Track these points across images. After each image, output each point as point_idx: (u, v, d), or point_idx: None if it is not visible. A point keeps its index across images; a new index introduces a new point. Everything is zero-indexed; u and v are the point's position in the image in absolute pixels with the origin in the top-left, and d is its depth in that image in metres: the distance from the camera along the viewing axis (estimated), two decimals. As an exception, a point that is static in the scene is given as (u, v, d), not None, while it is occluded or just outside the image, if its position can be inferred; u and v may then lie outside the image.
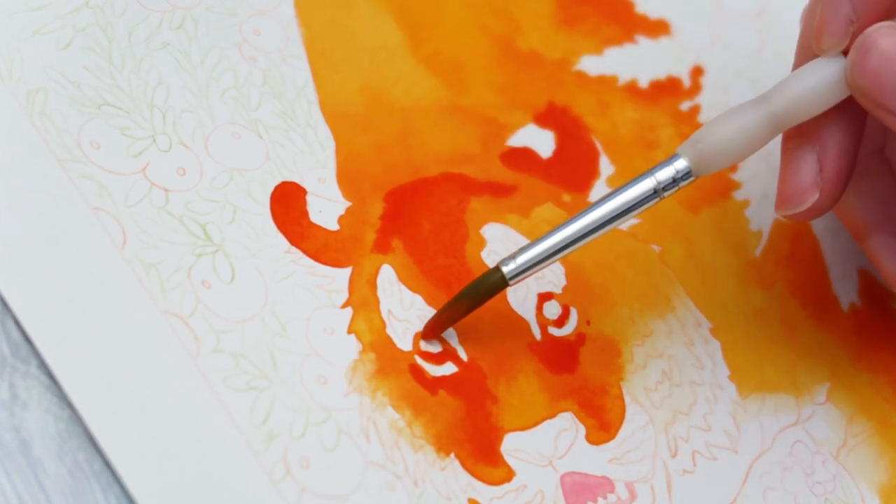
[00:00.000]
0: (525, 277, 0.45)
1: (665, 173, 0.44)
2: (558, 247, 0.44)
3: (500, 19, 0.54)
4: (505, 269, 0.44)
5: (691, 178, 0.44)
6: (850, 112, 0.44)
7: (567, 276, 0.49)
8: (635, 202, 0.44)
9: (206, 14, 0.49)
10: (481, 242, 0.48)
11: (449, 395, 0.45)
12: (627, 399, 0.48)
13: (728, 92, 0.55)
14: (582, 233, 0.44)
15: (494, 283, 0.45)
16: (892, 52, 0.42)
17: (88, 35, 0.46)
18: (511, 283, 0.44)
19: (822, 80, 0.43)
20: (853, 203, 0.49)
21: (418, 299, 0.46)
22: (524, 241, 0.49)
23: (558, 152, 0.52)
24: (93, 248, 0.43)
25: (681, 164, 0.44)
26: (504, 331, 0.47)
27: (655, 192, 0.44)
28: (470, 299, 0.45)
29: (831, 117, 0.44)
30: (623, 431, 0.47)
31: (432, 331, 0.46)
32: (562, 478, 0.45)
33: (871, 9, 0.43)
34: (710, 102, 0.55)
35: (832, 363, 0.52)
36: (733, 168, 0.54)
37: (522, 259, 0.44)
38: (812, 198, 0.45)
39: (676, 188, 0.44)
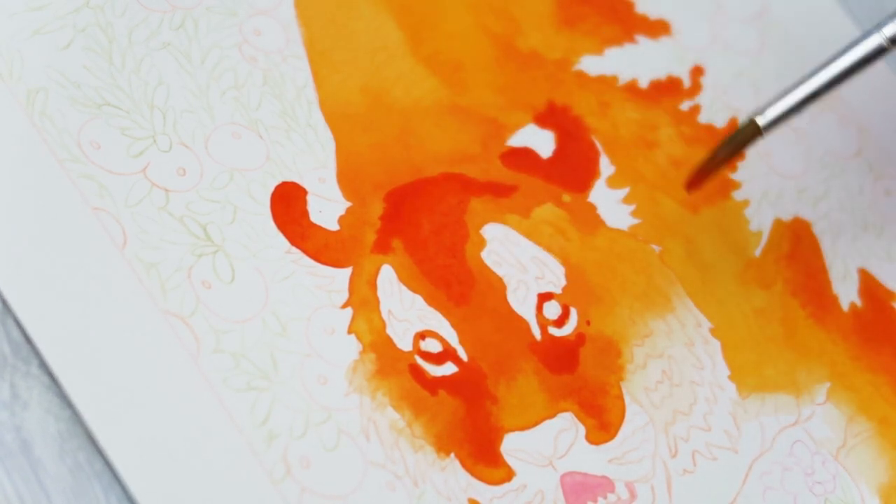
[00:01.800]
0: (776, 127, 0.47)
1: (891, 28, 0.47)
2: (803, 99, 0.47)
3: (500, 19, 0.54)
4: (759, 120, 0.47)
5: None
6: None
7: (567, 276, 0.49)
8: (867, 56, 0.47)
9: (207, 14, 0.49)
10: (481, 242, 0.48)
11: (449, 395, 0.45)
12: (627, 399, 0.48)
13: (728, 92, 0.55)
14: (822, 87, 0.47)
15: (749, 133, 0.48)
16: None
17: (89, 35, 0.46)
18: (764, 133, 0.47)
19: None
20: None
21: (418, 299, 0.46)
22: (524, 241, 0.49)
23: (558, 152, 0.52)
24: (93, 248, 0.43)
25: None
26: (504, 331, 0.47)
27: (884, 48, 0.47)
28: (727, 151, 0.48)
29: None
30: (623, 431, 0.47)
31: (695, 183, 0.49)
32: (562, 478, 0.45)
33: None
34: (710, 102, 0.55)
35: (832, 363, 0.52)
36: (733, 168, 0.54)
37: (773, 112, 0.47)
38: None
39: None
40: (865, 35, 0.47)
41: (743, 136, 0.48)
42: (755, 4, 0.57)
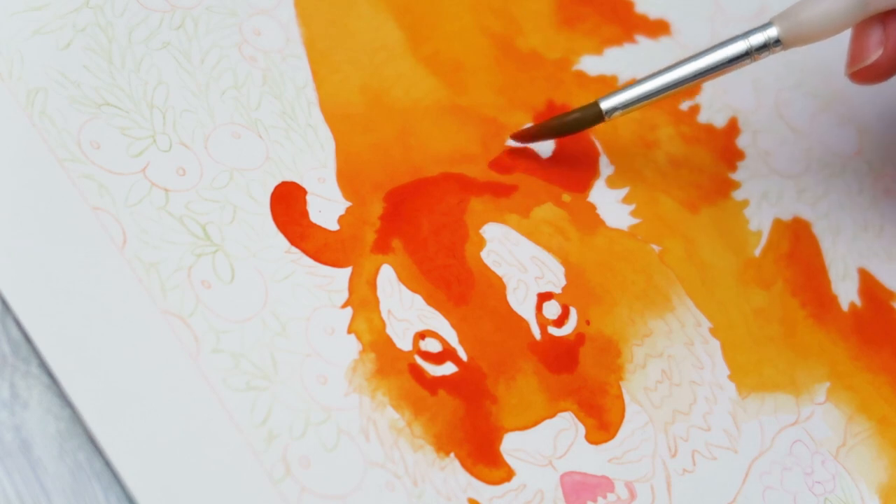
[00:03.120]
0: (617, 115, 0.48)
1: (758, 38, 0.48)
2: (653, 92, 0.49)
3: (500, 19, 0.54)
4: (603, 105, 0.48)
5: (780, 48, 0.48)
6: None
7: (567, 276, 0.49)
8: (729, 59, 0.48)
9: (206, 14, 0.49)
10: (481, 242, 0.48)
11: (449, 394, 0.45)
12: (627, 399, 0.48)
13: (728, 92, 0.55)
14: (676, 83, 0.48)
15: (591, 116, 0.49)
16: None
17: (88, 35, 0.46)
18: (607, 118, 0.48)
19: None
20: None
21: (418, 299, 0.46)
22: (524, 241, 0.49)
23: (558, 152, 0.52)
24: (93, 248, 0.43)
25: (772, 31, 0.48)
26: (504, 331, 0.47)
27: (748, 54, 0.48)
28: (566, 127, 0.49)
29: None
30: (623, 431, 0.47)
31: (521, 136, 0.50)
32: (561, 477, 0.45)
33: None
34: (710, 102, 0.55)
35: (832, 363, 0.52)
36: (733, 168, 0.54)
37: (620, 98, 0.49)
38: (876, 53, 0.49)
39: (768, 53, 0.48)
40: (732, 39, 0.48)
41: (584, 116, 0.49)
42: (754, 4, 0.57)
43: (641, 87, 0.49)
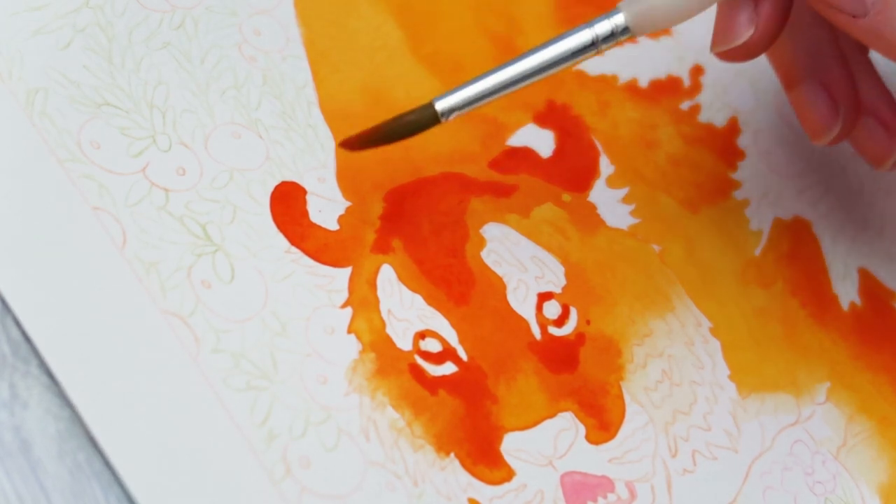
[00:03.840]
0: (455, 117, 0.44)
1: (603, 26, 0.44)
2: (493, 89, 0.45)
3: (500, 19, 0.54)
4: (438, 106, 0.44)
5: (628, 35, 0.44)
6: None
7: (567, 275, 0.49)
8: (573, 51, 0.44)
9: (206, 14, 0.49)
10: (481, 242, 0.48)
11: (449, 394, 0.45)
12: (627, 399, 0.48)
13: (728, 91, 0.55)
14: (517, 78, 0.44)
15: (426, 118, 0.45)
16: None
17: (88, 35, 0.46)
18: (443, 120, 0.44)
19: None
20: (787, 50, 0.50)
21: (418, 299, 0.46)
22: (524, 241, 0.49)
23: (558, 152, 0.52)
24: (93, 248, 0.43)
25: (619, 19, 0.44)
26: (504, 330, 0.47)
27: (594, 44, 0.44)
28: (400, 130, 0.45)
29: None
30: (623, 431, 0.47)
31: (351, 144, 0.46)
32: (562, 477, 0.45)
33: None
34: (710, 102, 0.55)
35: (832, 363, 0.52)
36: (733, 167, 0.54)
37: (456, 98, 0.44)
38: (747, 33, 0.46)
39: (614, 42, 0.44)
40: (576, 29, 0.45)
41: (418, 118, 0.45)
42: (755, 4, 0.57)
43: (480, 85, 0.45)
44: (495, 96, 0.45)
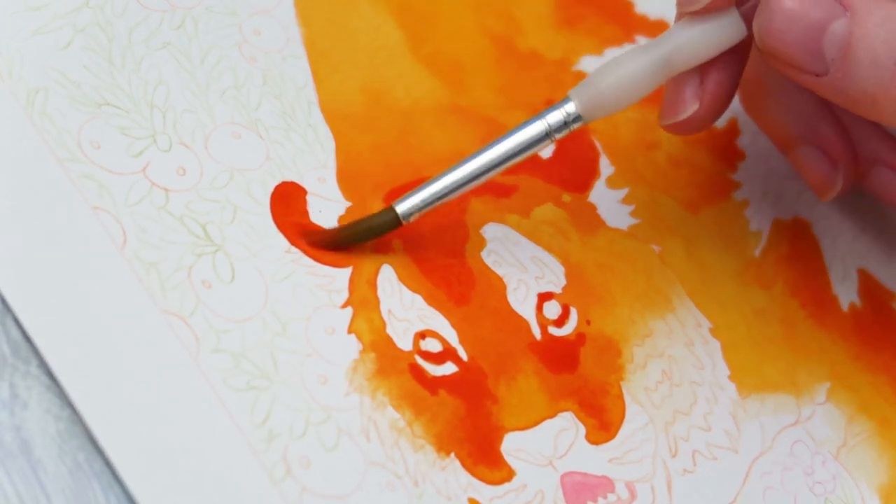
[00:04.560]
0: (417, 217, 0.45)
1: (556, 116, 0.45)
2: (452, 188, 0.45)
3: (500, 19, 0.54)
4: (399, 209, 0.45)
5: (581, 122, 0.45)
6: (736, 47, 0.46)
7: (567, 275, 0.49)
8: (528, 143, 0.45)
9: (207, 14, 0.49)
10: (481, 242, 0.48)
11: (449, 394, 0.45)
12: (627, 399, 0.48)
13: (728, 92, 0.55)
14: (475, 174, 0.45)
15: (388, 222, 0.45)
16: (795, 10, 0.43)
17: (88, 35, 0.46)
18: (405, 222, 0.45)
19: (714, 28, 0.45)
20: (777, 117, 0.51)
21: (418, 299, 0.46)
22: (524, 241, 0.49)
23: (558, 152, 0.52)
24: (93, 248, 0.43)
25: (571, 107, 0.45)
26: (504, 331, 0.47)
27: (548, 135, 0.45)
28: (363, 234, 0.46)
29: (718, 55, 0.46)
30: (623, 431, 0.47)
31: (318, 243, 0.46)
32: (562, 477, 0.45)
33: None
34: (709, 102, 0.55)
35: (832, 363, 0.52)
36: (733, 168, 0.54)
37: (415, 200, 0.45)
38: (692, 108, 0.46)
39: (567, 131, 0.45)
40: (529, 122, 0.45)
41: (380, 221, 0.45)
42: (755, 4, 0.57)
43: (436, 185, 0.45)
44: (454, 195, 0.45)
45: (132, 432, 0.40)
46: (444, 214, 0.48)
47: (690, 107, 0.46)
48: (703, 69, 0.46)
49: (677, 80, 0.46)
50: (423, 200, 0.45)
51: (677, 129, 0.47)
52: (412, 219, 0.45)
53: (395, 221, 0.45)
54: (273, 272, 0.45)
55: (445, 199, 0.45)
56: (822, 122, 0.50)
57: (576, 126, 0.45)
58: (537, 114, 0.45)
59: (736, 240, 0.53)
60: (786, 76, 0.45)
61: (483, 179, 0.45)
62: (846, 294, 0.53)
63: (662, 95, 0.47)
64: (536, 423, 0.46)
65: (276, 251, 0.45)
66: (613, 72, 0.45)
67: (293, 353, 0.44)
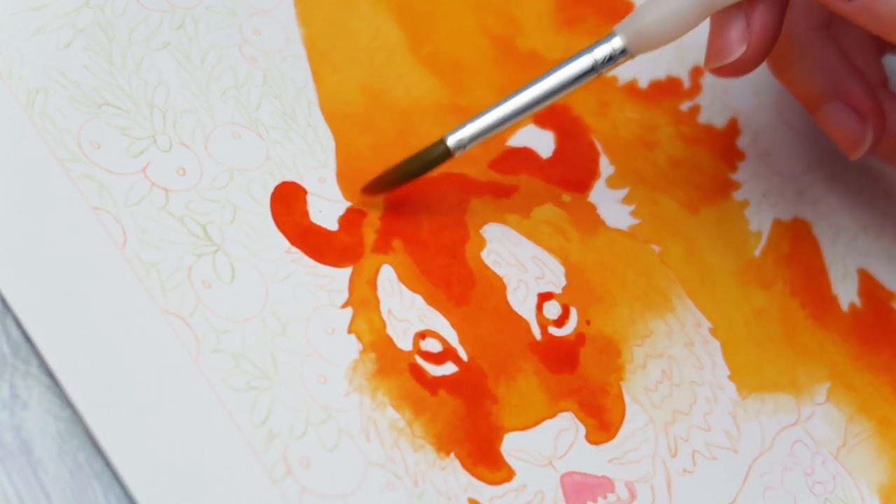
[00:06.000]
0: (467, 150, 0.46)
1: (602, 51, 0.46)
2: (499, 121, 0.46)
3: (500, 19, 0.54)
4: (450, 142, 0.46)
5: (627, 56, 0.46)
6: None
7: (567, 276, 0.49)
8: (575, 77, 0.46)
9: (207, 14, 0.49)
10: (481, 242, 0.48)
11: (449, 394, 0.45)
12: (627, 399, 0.48)
13: (728, 92, 0.55)
14: (522, 108, 0.46)
15: (439, 154, 0.46)
16: None
17: (88, 35, 0.46)
18: (455, 154, 0.46)
19: None
20: (804, 75, 0.51)
21: (418, 299, 0.46)
22: (524, 241, 0.49)
23: (558, 152, 0.52)
24: (93, 248, 0.43)
25: (617, 42, 0.46)
26: (504, 331, 0.47)
27: (594, 69, 0.46)
28: (414, 169, 0.46)
29: None
30: (623, 431, 0.47)
31: (371, 189, 0.47)
32: (562, 477, 0.45)
33: None
34: (709, 102, 0.55)
35: (832, 363, 0.52)
36: (733, 168, 0.54)
37: (465, 132, 0.46)
38: (739, 50, 0.46)
39: (613, 65, 0.46)
40: (577, 55, 0.46)
41: (431, 154, 0.46)
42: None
43: (488, 118, 0.46)
44: (502, 127, 0.46)
45: (132, 432, 0.40)
46: (443, 214, 0.48)
47: (738, 49, 0.46)
48: (748, 11, 0.46)
49: (723, 23, 0.46)
50: (472, 133, 0.46)
51: (724, 71, 0.47)
52: (460, 152, 0.46)
53: (446, 153, 0.46)
54: (273, 272, 0.45)
55: (493, 133, 0.46)
56: (848, 78, 0.51)
57: (621, 60, 0.46)
58: (584, 49, 0.46)
59: (736, 240, 0.53)
60: (817, 1, 0.45)
61: (529, 113, 0.46)
62: (846, 294, 0.53)
63: (707, 40, 0.47)
64: (536, 423, 0.46)
65: (276, 251, 0.45)
66: (658, 5, 0.45)
67: (293, 353, 0.44)
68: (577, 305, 0.48)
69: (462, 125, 0.46)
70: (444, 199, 0.49)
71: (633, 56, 0.46)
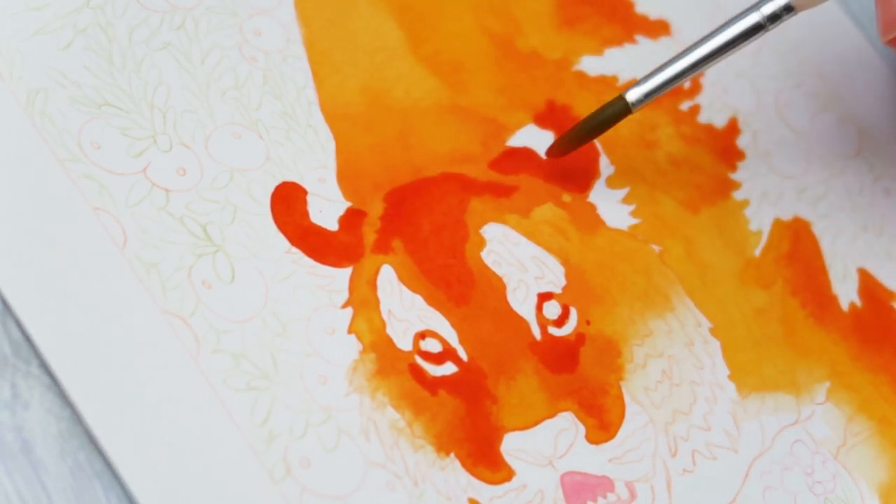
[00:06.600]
0: (644, 105, 0.48)
1: (769, 7, 0.48)
2: (674, 76, 0.48)
3: (500, 19, 0.54)
4: (629, 97, 0.48)
5: (793, 13, 0.48)
6: None
7: (567, 276, 0.49)
8: (743, 34, 0.48)
9: (207, 14, 0.49)
10: (481, 242, 0.48)
11: (449, 394, 0.45)
12: (627, 399, 0.48)
13: (728, 92, 0.55)
14: (695, 63, 0.48)
15: (619, 110, 0.48)
16: None
17: (89, 35, 0.46)
18: (634, 110, 0.48)
19: None
20: None
21: (418, 299, 0.46)
22: (524, 241, 0.49)
23: (558, 152, 0.52)
24: (93, 248, 0.43)
25: None
26: (504, 331, 0.47)
27: (762, 26, 0.48)
28: (597, 126, 0.49)
29: None
30: (623, 431, 0.47)
31: (556, 151, 0.49)
32: (562, 477, 0.45)
33: None
34: (709, 102, 0.55)
35: (832, 363, 0.52)
36: (733, 168, 0.54)
37: (643, 89, 0.48)
38: None
39: (780, 22, 0.48)
40: (744, 13, 0.48)
41: (612, 111, 0.48)
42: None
43: (661, 76, 0.48)
44: (675, 83, 0.48)
45: (132, 432, 0.40)
46: (443, 214, 0.48)
47: None
48: None
49: None
50: (649, 89, 0.48)
51: None
52: (638, 108, 0.48)
53: (626, 109, 0.48)
54: (273, 272, 0.45)
55: (668, 88, 0.48)
56: None
57: (787, 17, 0.48)
58: (752, 6, 0.48)
59: (736, 239, 0.53)
60: None
61: (701, 69, 0.48)
62: (846, 294, 0.53)
63: (877, 11, 0.48)
64: (536, 423, 0.46)
65: (276, 251, 0.45)
66: None
67: (293, 353, 0.44)
68: (577, 305, 0.48)
69: (638, 83, 0.48)
70: (444, 199, 0.49)
71: (798, 11, 0.47)
